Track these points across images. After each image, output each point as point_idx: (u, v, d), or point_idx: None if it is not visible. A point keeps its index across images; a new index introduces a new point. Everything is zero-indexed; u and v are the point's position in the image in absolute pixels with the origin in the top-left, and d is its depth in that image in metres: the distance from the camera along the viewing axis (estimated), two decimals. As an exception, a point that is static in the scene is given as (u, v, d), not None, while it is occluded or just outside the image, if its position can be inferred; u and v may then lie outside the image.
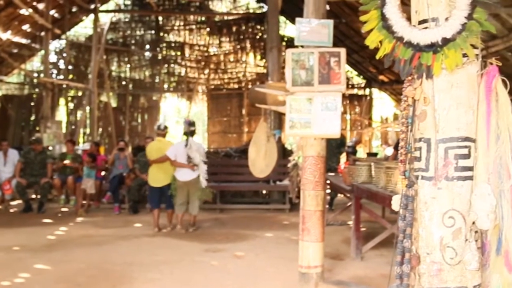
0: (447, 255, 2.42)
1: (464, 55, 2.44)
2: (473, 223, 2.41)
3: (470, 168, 2.44)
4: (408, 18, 2.61)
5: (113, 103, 19.82)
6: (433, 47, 2.45)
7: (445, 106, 2.46)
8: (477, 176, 2.44)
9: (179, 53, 20.55)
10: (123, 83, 20.45)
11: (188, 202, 9.08)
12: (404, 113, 2.64)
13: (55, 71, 19.26)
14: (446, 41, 2.42)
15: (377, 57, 2.66)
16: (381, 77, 19.47)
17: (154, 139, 10.18)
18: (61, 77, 18.93)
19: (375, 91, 20.79)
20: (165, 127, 9.73)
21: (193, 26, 20.49)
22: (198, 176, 9.01)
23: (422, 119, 2.53)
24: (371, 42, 2.66)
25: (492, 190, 2.38)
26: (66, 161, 11.68)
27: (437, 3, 2.48)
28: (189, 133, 9.01)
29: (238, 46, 20.23)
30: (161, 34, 20.48)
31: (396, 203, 2.69)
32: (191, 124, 9.17)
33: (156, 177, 9.27)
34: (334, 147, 11.77)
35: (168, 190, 9.12)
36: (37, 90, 18.89)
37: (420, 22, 2.54)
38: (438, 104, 2.48)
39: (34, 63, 19.84)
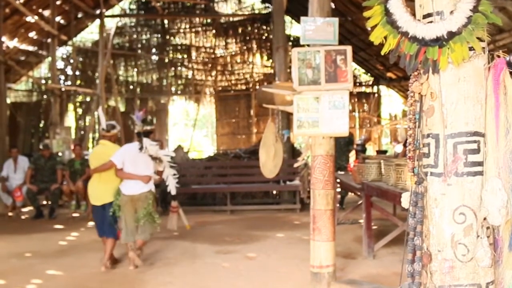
0: (459, 252, 2.39)
1: (471, 49, 2.40)
2: (485, 219, 2.37)
3: (480, 163, 2.41)
4: (412, 13, 2.58)
5: (121, 108, 19.84)
6: (439, 41, 2.41)
7: (453, 100, 2.42)
8: (487, 171, 2.40)
9: (185, 55, 20.56)
10: (131, 87, 20.48)
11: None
12: (411, 109, 2.60)
13: (62, 77, 19.35)
14: (451, 35, 2.39)
15: (382, 53, 2.62)
16: (389, 74, 19.41)
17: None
18: (69, 83, 19.00)
19: (383, 89, 20.74)
20: (112, 127, 7.27)
21: (199, 29, 20.49)
22: (150, 190, 6.86)
23: (430, 114, 2.49)
24: (375, 38, 2.62)
25: (503, 185, 2.34)
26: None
27: (441, -3, 2.45)
28: (143, 133, 6.83)
29: (245, 47, 20.21)
30: (167, 37, 20.49)
31: (405, 201, 2.65)
32: (145, 121, 6.95)
33: (97, 193, 7.03)
34: (343, 146, 11.75)
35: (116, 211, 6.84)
36: (45, 96, 18.96)
37: (425, 16, 2.50)
38: (446, 98, 2.44)
39: (42, 70, 19.94)
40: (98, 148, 7.43)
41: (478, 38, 2.39)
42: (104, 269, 6.65)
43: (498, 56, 2.42)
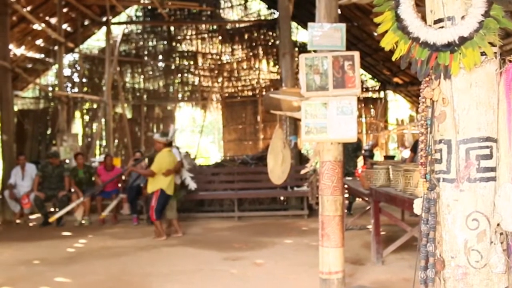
0: (472, 259, 2.37)
1: (482, 54, 2.39)
2: (498, 224, 2.35)
3: (493, 169, 2.39)
4: (423, 18, 2.56)
5: (128, 115, 19.86)
6: (450, 47, 2.40)
7: (465, 106, 2.41)
8: (500, 177, 2.38)
9: (192, 62, 20.56)
10: (138, 94, 20.48)
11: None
12: (422, 114, 2.58)
13: (69, 85, 19.38)
14: (463, 40, 2.37)
15: (393, 58, 2.61)
16: (396, 79, 19.38)
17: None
18: (76, 90, 19.03)
19: (390, 94, 20.70)
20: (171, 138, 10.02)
21: (205, 35, 20.51)
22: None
23: (442, 120, 2.48)
24: (386, 43, 2.61)
25: (516, 191, 2.33)
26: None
27: (452, 2, 2.43)
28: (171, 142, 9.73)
29: (251, 53, 20.20)
30: (174, 44, 20.51)
31: (418, 207, 2.63)
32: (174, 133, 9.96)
33: (172, 186, 9.47)
34: (351, 151, 11.73)
35: (173, 198, 9.55)
36: (52, 104, 18.99)
37: (436, 22, 2.49)
38: (457, 104, 2.43)
39: (49, 77, 19.99)
40: (167, 153, 9.43)
41: (490, 43, 2.38)
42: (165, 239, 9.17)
43: (510, 61, 2.41)
